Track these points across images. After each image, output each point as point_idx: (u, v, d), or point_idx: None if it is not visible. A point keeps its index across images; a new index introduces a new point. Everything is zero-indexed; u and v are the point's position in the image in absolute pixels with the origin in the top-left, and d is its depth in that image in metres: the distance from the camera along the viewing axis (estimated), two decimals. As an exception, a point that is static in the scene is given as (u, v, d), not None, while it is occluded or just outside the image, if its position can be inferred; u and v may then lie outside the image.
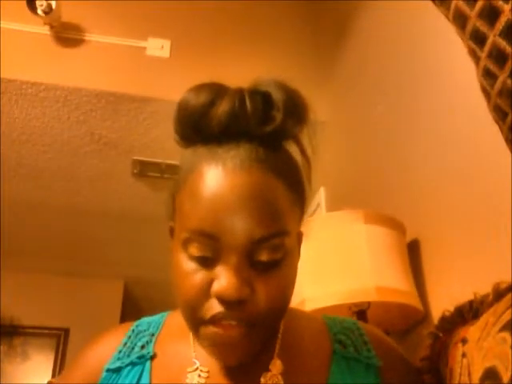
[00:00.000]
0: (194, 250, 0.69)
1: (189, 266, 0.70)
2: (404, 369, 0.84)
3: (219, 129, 0.71)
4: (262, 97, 0.72)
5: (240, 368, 0.75)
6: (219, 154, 0.70)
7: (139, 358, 0.81)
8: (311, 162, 0.81)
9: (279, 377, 0.75)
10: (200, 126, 0.72)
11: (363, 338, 0.84)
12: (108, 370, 0.81)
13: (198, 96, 0.72)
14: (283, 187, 0.71)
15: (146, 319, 0.90)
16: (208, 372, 0.77)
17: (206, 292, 0.68)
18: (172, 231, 0.79)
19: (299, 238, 0.81)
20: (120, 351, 0.83)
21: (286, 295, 0.73)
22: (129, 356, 0.82)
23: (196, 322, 0.70)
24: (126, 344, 0.84)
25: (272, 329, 0.74)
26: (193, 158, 0.73)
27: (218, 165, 0.69)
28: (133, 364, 0.81)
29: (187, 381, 0.76)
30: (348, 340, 0.83)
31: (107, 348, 0.85)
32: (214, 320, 0.68)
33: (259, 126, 0.71)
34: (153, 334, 0.85)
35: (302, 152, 0.80)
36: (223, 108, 0.70)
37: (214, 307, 0.68)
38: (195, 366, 0.77)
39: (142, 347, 0.83)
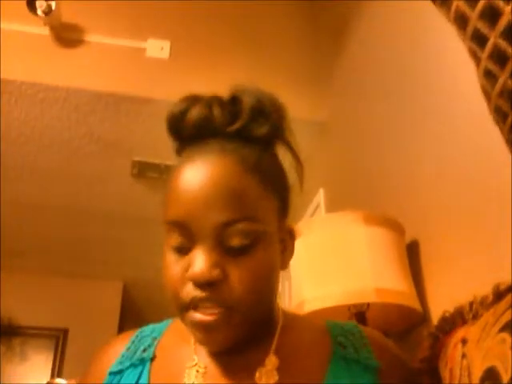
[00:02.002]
0: (173, 240, 0.76)
1: (171, 257, 0.76)
2: (403, 371, 0.85)
3: (192, 131, 0.80)
4: (230, 101, 0.81)
5: (237, 364, 0.79)
6: (191, 152, 0.79)
7: (140, 360, 0.85)
8: (300, 162, 0.88)
9: (274, 372, 0.78)
10: (179, 131, 0.82)
11: (363, 340, 0.85)
12: (111, 373, 0.85)
13: (177, 105, 0.82)
14: (253, 178, 0.77)
15: (150, 325, 0.94)
16: (206, 368, 0.80)
17: (183, 278, 0.74)
18: None
19: (290, 233, 0.86)
20: (123, 355, 0.87)
21: (261, 281, 0.76)
22: (130, 359, 0.86)
23: (179, 308, 0.75)
24: (129, 348, 0.88)
25: (251, 315, 0.76)
26: (177, 162, 0.82)
27: (188, 161, 0.78)
28: (133, 366, 0.84)
29: (185, 376, 0.79)
30: (348, 342, 0.84)
31: (112, 353, 0.89)
32: (192, 304, 0.73)
33: (226, 126, 0.79)
34: (155, 338, 0.89)
35: (292, 153, 0.88)
36: (194, 113, 0.80)
37: (191, 291, 0.73)
38: (194, 363, 0.81)
39: (144, 350, 0.87)
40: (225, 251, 0.74)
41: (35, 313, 4.79)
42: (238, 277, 0.73)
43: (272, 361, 0.79)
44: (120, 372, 0.84)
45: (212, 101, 0.81)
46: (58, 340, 4.87)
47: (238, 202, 0.74)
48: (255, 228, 0.75)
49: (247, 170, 0.76)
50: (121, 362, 0.86)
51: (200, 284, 0.72)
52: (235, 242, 0.74)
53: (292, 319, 0.89)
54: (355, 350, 0.83)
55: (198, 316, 0.73)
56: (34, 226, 4.04)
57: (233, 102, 0.81)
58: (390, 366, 0.83)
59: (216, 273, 0.72)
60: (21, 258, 4.56)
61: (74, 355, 4.70)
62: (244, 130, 0.80)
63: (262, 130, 0.81)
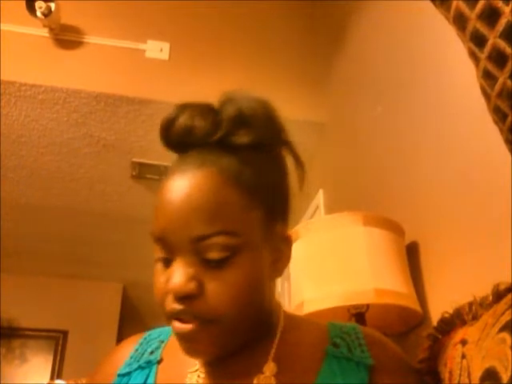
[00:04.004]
0: (157, 252, 0.77)
1: (158, 268, 0.78)
2: (401, 369, 0.83)
3: (178, 139, 0.80)
4: (212, 111, 0.80)
5: (237, 370, 0.80)
6: (175, 163, 0.80)
7: (147, 362, 0.87)
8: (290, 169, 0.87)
9: (272, 378, 0.78)
10: (167, 139, 0.81)
11: (359, 340, 0.84)
12: (119, 375, 0.87)
13: (169, 112, 0.81)
14: (232, 188, 0.76)
15: (159, 329, 0.95)
16: (206, 373, 0.81)
17: (165, 290, 0.74)
18: None
19: (286, 240, 0.84)
20: (131, 357, 0.89)
21: (242, 293, 0.74)
22: (138, 361, 0.88)
23: (166, 317, 0.76)
24: (137, 350, 0.90)
25: (235, 328, 0.76)
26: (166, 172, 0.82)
27: (170, 175, 0.78)
28: (141, 368, 0.86)
29: (187, 380, 0.81)
30: (343, 342, 0.84)
31: (121, 356, 0.91)
32: (172, 315, 0.74)
33: (208, 137, 0.78)
34: (162, 341, 0.91)
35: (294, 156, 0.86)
36: (179, 122, 0.79)
37: (170, 303, 0.74)
38: (195, 368, 0.82)
39: (151, 353, 0.89)
40: (203, 264, 0.73)
41: (35, 315, 4.79)
42: (214, 290, 0.73)
43: (270, 367, 0.79)
44: (128, 374, 0.86)
45: (199, 109, 0.80)
46: (58, 342, 4.87)
47: (213, 215, 0.73)
48: (232, 241, 0.73)
49: (226, 181, 0.76)
50: (129, 364, 0.88)
51: (177, 297, 0.73)
52: (212, 255, 0.73)
53: (293, 321, 0.88)
54: (349, 349, 0.82)
55: (177, 325, 0.74)
56: (33, 228, 4.03)
57: (216, 111, 0.80)
58: (387, 364, 0.82)
59: (191, 286, 0.72)
60: (20, 260, 4.56)
61: (74, 357, 4.70)
62: (225, 139, 0.78)
63: (242, 139, 0.79)
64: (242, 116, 0.79)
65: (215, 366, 0.81)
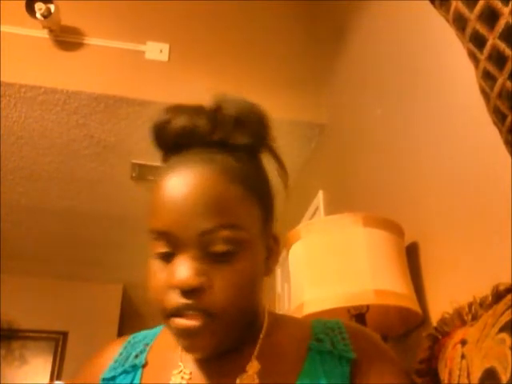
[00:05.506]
0: (158, 248, 0.77)
1: (156, 265, 0.78)
2: (383, 360, 0.84)
3: (176, 140, 0.82)
4: (213, 111, 0.82)
5: (221, 370, 0.81)
6: (175, 161, 0.81)
7: (132, 366, 0.87)
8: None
9: (255, 376, 0.79)
10: (163, 140, 0.83)
11: (342, 334, 0.86)
12: (104, 379, 0.87)
13: (161, 115, 0.83)
14: (234, 185, 0.78)
15: (144, 332, 0.96)
16: (190, 374, 0.82)
17: (168, 286, 0.75)
18: None
19: (275, 239, 0.87)
20: (116, 361, 0.90)
21: (244, 288, 0.77)
22: (123, 365, 0.88)
23: (164, 315, 0.76)
24: (121, 354, 0.91)
25: (235, 323, 0.77)
26: (162, 171, 0.83)
27: (172, 171, 0.79)
28: (126, 372, 0.87)
29: (171, 381, 0.82)
30: (326, 337, 0.85)
31: (105, 359, 0.91)
32: (176, 311, 0.74)
33: (208, 135, 0.81)
34: (147, 344, 0.91)
35: (278, 161, 0.89)
36: (178, 122, 0.81)
37: (175, 299, 0.74)
38: (180, 369, 0.83)
39: (136, 356, 0.89)
40: (209, 259, 0.75)
41: (35, 316, 4.79)
42: (221, 284, 0.74)
43: (253, 366, 0.81)
44: (113, 378, 0.87)
45: (195, 110, 0.82)
46: (58, 343, 4.88)
47: (219, 209, 0.75)
48: (238, 235, 0.76)
49: (228, 179, 0.78)
50: (114, 368, 0.88)
51: (184, 291, 0.73)
52: (219, 248, 0.75)
53: (277, 321, 0.90)
54: (332, 343, 0.84)
55: (181, 322, 0.74)
56: (33, 229, 4.03)
57: (215, 112, 0.82)
58: (369, 356, 0.83)
59: (200, 280, 0.74)
60: (20, 261, 4.56)
61: (74, 358, 4.70)
62: (226, 139, 0.81)
63: (242, 139, 0.82)
64: (241, 117, 0.81)
65: (200, 366, 0.83)
